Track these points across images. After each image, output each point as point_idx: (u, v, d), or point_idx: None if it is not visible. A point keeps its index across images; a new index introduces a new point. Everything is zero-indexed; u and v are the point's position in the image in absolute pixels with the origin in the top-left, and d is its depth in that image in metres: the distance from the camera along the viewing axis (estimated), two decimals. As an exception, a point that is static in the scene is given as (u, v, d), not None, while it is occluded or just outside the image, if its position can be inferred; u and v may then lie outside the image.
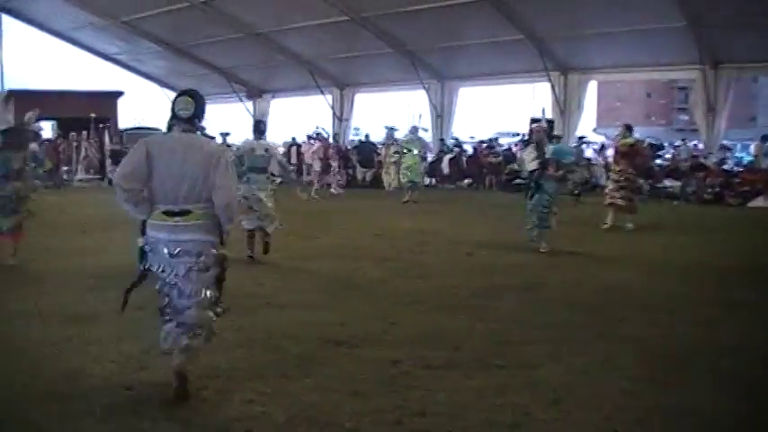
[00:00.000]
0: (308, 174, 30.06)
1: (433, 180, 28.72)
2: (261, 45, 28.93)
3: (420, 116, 24.13)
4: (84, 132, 28.57)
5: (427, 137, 24.20)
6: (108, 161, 28.76)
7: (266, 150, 11.17)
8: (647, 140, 28.99)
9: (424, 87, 28.46)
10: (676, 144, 29.29)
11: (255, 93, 35.01)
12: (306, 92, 33.22)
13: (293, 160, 31.35)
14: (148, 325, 6.70)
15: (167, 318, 5.37)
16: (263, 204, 10.89)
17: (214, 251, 5.37)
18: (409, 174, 21.09)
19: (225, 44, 29.57)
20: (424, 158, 24.00)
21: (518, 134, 35.76)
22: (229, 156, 5.58)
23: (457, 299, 8.41)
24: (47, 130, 28.00)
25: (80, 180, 28.37)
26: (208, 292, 5.34)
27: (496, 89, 36.70)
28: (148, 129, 38.79)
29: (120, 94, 33.03)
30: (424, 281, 9.51)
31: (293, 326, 7.13)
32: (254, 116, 35.11)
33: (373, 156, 28.36)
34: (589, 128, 46.92)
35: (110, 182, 27.59)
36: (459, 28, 24.21)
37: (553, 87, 25.56)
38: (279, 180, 11.53)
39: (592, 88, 28.36)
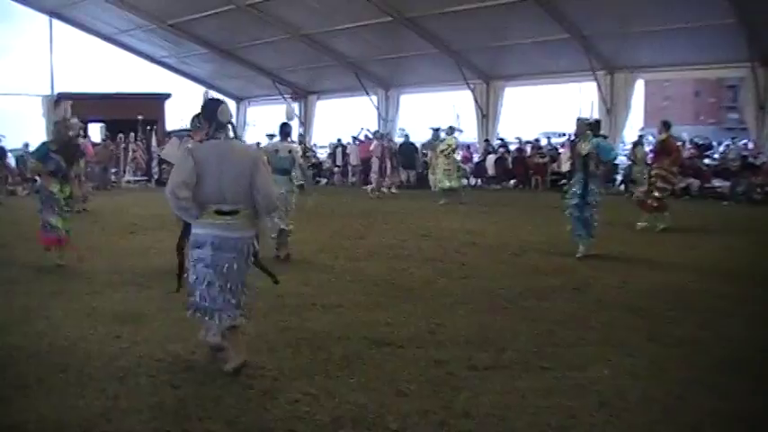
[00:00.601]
0: (353, 175, 30.18)
1: (479, 181, 28.63)
2: (306, 46, 29.02)
3: (458, 116, 23.42)
4: (132, 134, 28.94)
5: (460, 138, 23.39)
6: (154, 163, 29.17)
7: (290, 152, 11.29)
8: (695, 139, 28.71)
9: (470, 88, 28.31)
10: (726, 143, 28.86)
11: (301, 94, 35.17)
12: (351, 93, 33.22)
13: (338, 161, 31.48)
14: (195, 326, 6.78)
15: (209, 313, 5.85)
16: (288, 204, 11.19)
17: (254, 245, 5.99)
18: (448, 178, 20.66)
19: (270, 46, 29.74)
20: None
21: (564, 134, 35.54)
22: (264, 157, 6.18)
23: (503, 300, 8.36)
24: (95, 132, 28.34)
25: (128, 181, 28.74)
26: (241, 283, 5.90)
27: (542, 89, 36.48)
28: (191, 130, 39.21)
29: (167, 96, 33.38)
30: (470, 281, 9.47)
31: (339, 326, 7.15)
32: (287, 118, 35.25)
33: (414, 156, 28.30)
34: (636, 128, 46.48)
35: (157, 183, 27.97)
36: (505, 28, 24.09)
37: (599, 87, 25.28)
38: (299, 182, 11.63)
39: (639, 87, 27.99)
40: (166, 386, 5.43)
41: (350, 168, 30.92)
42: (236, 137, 6.02)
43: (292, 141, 12.16)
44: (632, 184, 20.17)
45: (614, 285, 9.21)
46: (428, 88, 32.14)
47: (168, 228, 13.30)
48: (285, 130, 11.58)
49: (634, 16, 21.18)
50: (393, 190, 24.12)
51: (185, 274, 6.49)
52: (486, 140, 28.33)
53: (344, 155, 31.31)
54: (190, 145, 6.20)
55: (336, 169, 31.87)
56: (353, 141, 30.76)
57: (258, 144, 34.36)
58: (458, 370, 5.79)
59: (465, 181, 21.73)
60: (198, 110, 6.72)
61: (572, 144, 11.52)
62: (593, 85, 25.60)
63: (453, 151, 20.82)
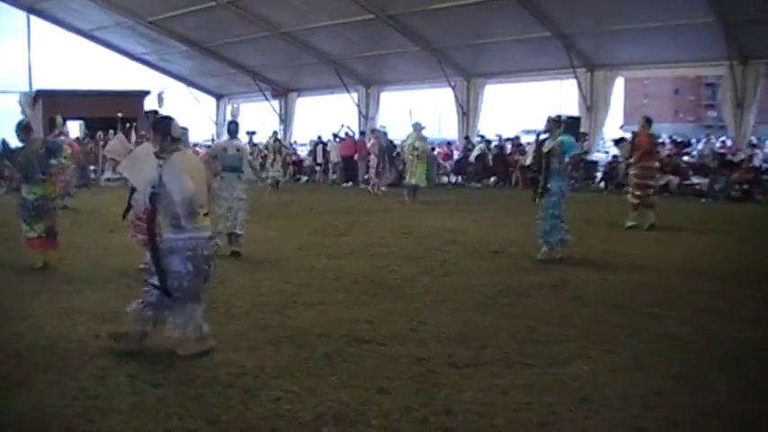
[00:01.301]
0: (334, 173, 30.15)
1: (459, 178, 28.68)
2: (287, 44, 29.00)
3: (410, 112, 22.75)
4: (111, 132, 28.76)
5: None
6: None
7: (238, 150, 11.48)
8: (673, 137, 28.85)
9: (450, 85, 28.38)
10: (703, 141, 29.04)
11: (281, 91, 35.13)
12: (332, 90, 33.26)
13: (319, 159, 31.46)
14: (176, 324, 6.74)
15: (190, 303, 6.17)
16: (238, 203, 11.32)
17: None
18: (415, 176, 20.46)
19: (251, 43, 29.68)
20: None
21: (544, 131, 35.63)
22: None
23: (484, 297, 8.38)
24: (74, 129, 28.16)
25: (107, 179, 28.55)
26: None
27: (523, 86, 36.58)
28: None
29: (146, 93, 33.14)
30: (452, 279, 9.49)
31: (320, 324, 7.14)
32: (278, 114, 35.27)
33: (393, 154, 28.27)
34: (616, 125, 46.68)
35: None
36: (486, 25, 24.16)
37: (580, 84, 25.44)
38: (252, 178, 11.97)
39: (619, 85, 28.23)
40: (147, 385, 5.41)
41: (330, 166, 30.90)
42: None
43: (240, 140, 12.32)
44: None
45: (594, 282, 9.26)
46: (409, 86, 32.21)
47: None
48: (231, 128, 11.82)
49: (614, 14, 21.30)
50: (383, 188, 24.07)
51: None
52: (467, 138, 28.36)
53: (325, 152, 31.29)
54: (155, 149, 6.34)
55: (317, 167, 31.83)
56: (334, 139, 30.74)
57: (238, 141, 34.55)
58: (439, 367, 5.80)
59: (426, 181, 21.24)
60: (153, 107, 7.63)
61: (538, 142, 11.37)
62: (574, 82, 25.75)
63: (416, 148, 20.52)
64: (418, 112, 40.34)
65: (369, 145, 25.09)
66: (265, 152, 25.50)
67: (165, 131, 6.26)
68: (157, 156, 6.19)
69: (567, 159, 10.62)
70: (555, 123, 10.96)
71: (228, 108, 12.03)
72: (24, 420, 4.83)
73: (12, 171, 11.42)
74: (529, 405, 5.03)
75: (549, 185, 10.68)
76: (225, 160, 11.30)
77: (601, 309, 7.84)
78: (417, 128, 20.92)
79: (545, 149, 10.74)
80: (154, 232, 6.11)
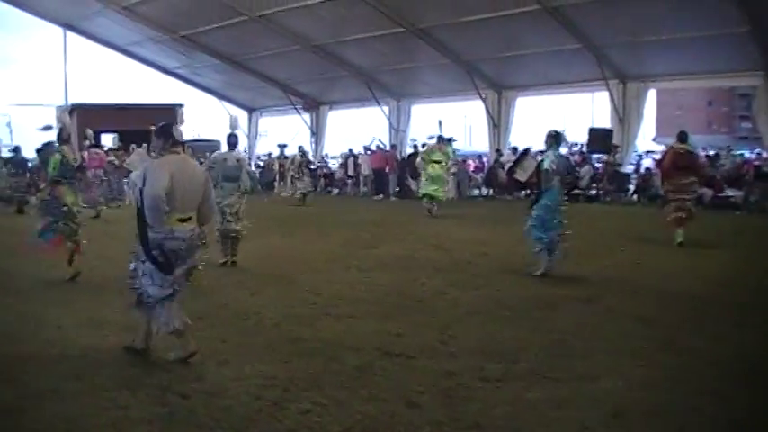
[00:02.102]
0: (365, 185, 30.17)
1: (491, 191, 28.58)
2: (318, 57, 29.13)
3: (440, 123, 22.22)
4: (145, 144, 28.97)
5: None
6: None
7: (237, 161, 11.83)
8: (705, 150, 28.51)
9: (482, 98, 28.31)
10: (731, 153, 28.62)
11: (312, 105, 35.25)
12: (362, 103, 33.34)
13: (350, 171, 31.50)
14: (205, 336, 6.82)
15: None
16: (234, 209, 11.63)
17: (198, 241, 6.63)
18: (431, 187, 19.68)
19: (282, 57, 29.85)
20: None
21: (576, 144, 35.46)
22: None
23: (514, 310, 8.32)
24: (108, 143, 28.47)
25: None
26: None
27: (554, 99, 36.41)
28: (207, 141, 39.35)
29: (180, 106, 33.45)
30: (481, 292, 9.43)
31: (350, 336, 7.13)
32: (310, 127, 35.40)
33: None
34: (649, 137, 46.39)
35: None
36: (516, 38, 24.10)
37: (612, 96, 25.27)
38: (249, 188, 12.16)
39: (651, 97, 27.95)
40: (176, 396, 5.43)
41: (361, 178, 30.93)
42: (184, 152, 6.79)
43: (239, 152, 12.69)
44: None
45: (625, 295, 9.16)
46: (440, 98, 32.15)
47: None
48: (231, 140, 12.12)
49: (646, 26, 21.14)
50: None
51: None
52: (498, 150, 28.22)
53: (356, 165, 31.32)
54: (153, 155, 6.79)
55: (348, 180, 31.87)
56: (365, 151, 30.76)
57: (270, 154, 34.68)
58: (469, 381, 5.76)
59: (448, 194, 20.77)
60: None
61: (531, 156, 11.29)
62: (606, 94, 25.59)
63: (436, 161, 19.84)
64: (449, 124, 40.32)
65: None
66: (291, 166, 25.59)
67: (167, 134, 6.51)
68: (153, 157, 6.61)
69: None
70: (553, 139, 10.83)
71: (231, 120, 12.24)
72: (56, 429, 4.87)
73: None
74: (560, 420, 4.99)
75: (542, 201, 10.66)
76: (225, 171, 11.61)
77: (632, 322, 7.76)
78: (439, 141, 20.34)
79: (543, 166, 10.64)
80: (144, 226, 6.26)
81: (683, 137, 14.04)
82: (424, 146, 22.95)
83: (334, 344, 6.84)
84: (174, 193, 6.17)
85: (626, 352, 6.58)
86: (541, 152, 11.27)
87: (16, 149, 25.85)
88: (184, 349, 6.30)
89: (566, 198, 10.92)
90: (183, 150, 6.74)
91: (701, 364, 6.24)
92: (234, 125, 12.38)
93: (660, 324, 7.66)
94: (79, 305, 8.41)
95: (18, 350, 6.67)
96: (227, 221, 11.44)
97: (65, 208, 10.19)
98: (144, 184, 6.19)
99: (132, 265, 6.55)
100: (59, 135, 10.56)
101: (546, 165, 10.60)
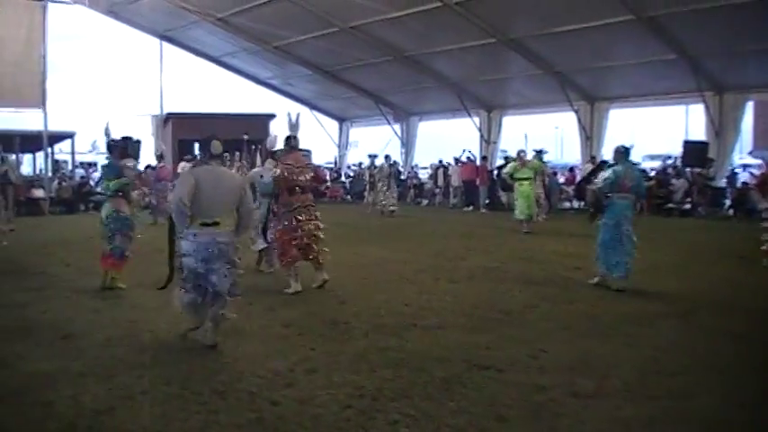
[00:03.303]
0: (455, 196, 30.08)
1: (582, 203, 28.19)
2: (408, 68, 29.20)
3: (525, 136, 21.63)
4: (237, 153, 29.48)
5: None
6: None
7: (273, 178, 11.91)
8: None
9: (574, 109, 27.98)
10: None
11: (403, 115, 35.37)
12: (453, 114, 33.22)
13: (440, 182, 31.47)
14: (296, 343, 6.90)
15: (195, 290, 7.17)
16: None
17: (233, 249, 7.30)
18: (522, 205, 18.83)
19: (373, 67, 30.02)
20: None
21: (670, 156, 34.78)
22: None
23: (607, 325, 8.19)
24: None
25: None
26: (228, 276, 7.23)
27: (648, 111, 35.70)
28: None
29: (272, 116, 33.96)
30: (573, 306, 9.31)
31: (439, 348, 7.11)
32: (400, 138, 35.52)
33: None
34: (745, 151, 45.17)
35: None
36: (609, 48, 23.72)
37: (707, 108, 24.68)
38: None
39: (748, 108, 27.14)
40: (266, 402, 5.50)
41: (451, 190, 30.87)
42: (223, 165, 7.71)
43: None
44: None
45: (720, 313, 8.92)
46: (531, 109, 31.96)
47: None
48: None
49: (744, 35, 20.49)
50: (392, 208, 24.20)
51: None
52: (592, 157, 27.63)
53: (446, 176, 31.27)
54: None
55: (437, 190, 31.84)
56: (455, 163, 30.69)
57: (360, 164, 34.88)
58: (560, 396, 5.69)
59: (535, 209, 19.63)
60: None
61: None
62: (701, 106, 25.02)
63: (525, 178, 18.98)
64: (540, 135, 39.99)
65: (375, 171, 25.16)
66: (379, 176, 25.62)
67: (204, 148, 7.41)
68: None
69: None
70: (621, 154, 10.63)
71: (270, 139, 12.17)
72: (146, 431, 4.97)
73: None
74: (652, 438, 4.88)
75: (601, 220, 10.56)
76: (261, 187, 11.74)
77: (727, 340, 7.56)
78: (519, 156, 19.54)
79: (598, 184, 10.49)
80: (173, 233, 7.37)
81: None
82: (506, 162, 22.59)
83: (422, 355, 6.84)
84: (198, 200, 6.97)
85: (720, 370, 6.42)
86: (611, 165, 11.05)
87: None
88: (206, 338, 7.08)
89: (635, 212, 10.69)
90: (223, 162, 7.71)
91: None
92: (272, 144, 12.28)
93: (756, 343, 7.47)
94: (171, 310, 8.55)
95: (111, 352, 6.88)
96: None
97: (127, 221, 10.43)
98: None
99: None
100: (111, 148, 10.72)
101: (609, 177, 10.47)
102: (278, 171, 10.28)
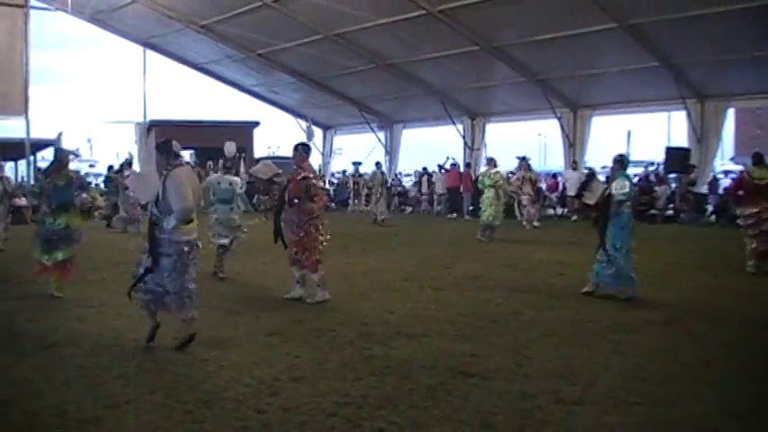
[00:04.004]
0: (439, 204, 30.13)
1: (565, 210, 28.28)
2: (392, 75, 29.21)
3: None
4: (221, 161, 29.45)
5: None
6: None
7: (230, 184, 12.46)
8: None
9: (557, 116, 28.07)
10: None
11: (387, 123, 35.40)
12: (437, 121, 33.23)
13: (424, 190, 31.50)
14: (281, 351, 6.89)
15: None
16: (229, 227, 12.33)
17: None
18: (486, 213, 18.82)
19: (357, 75, 30.00)
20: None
21: (652, 163, 34.97)
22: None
23: (592, 332, 8.22)
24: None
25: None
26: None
27: (630, 118, 35.87)
28: (283, 158, 39.76)
29: (256, 124, 34.03)
30: (557, 313, 9.33)
31: (424, 356, 7.12)
32: (384, 145, 35.54)
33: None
34: (727, 157, 45.52)
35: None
36: (592, 56, 23.81)
37: (689, 115, 24.82)
38: (243, 209, 12.80)
39: (730, 116, 27.26)
40: (252, 411, 5.49)
41: (435, 197, 30.92)
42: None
43: (232, 176, 13.16)
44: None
45: (706, 319, 8.96)
46: (515, 117, 32.01)
47: (253, 253, 13.52)
48: (226, 165, 13.21)
49: (725, 43, 20.61)
50: (535, 223, 23.31)
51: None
52: (575, 162, 27.66)
53: (430, 183, 31.32)
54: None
55: (422, 198, 31.87)
56: (439, 170, 30.74)
57: (344, 171, 34.88)
58: (545, 403, 5.70)
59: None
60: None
61: (595, 180, 11.04)
62: (683, 114, 25.17)
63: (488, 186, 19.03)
64: (523, 143, 40.05)
65: (513, 179, 24.19)
66: (371, 183, 25.56)
67: (168, 150, 7.48)
68: (161, 172, 7.44)
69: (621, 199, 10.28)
70: (618, 164, 10.64)
71: (227, 146, 12.88)
72: (133, 441, 4.96)
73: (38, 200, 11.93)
74: (638, 445, 4.89)
75: (609, 230, 10.34)
76: (218, 193, 12.34)
77: (713, 347, 7.59)
78: (490, 163, 19.79)
79: (615, 194, 10.39)
80: (154, 234, 7.25)
81: (758, 159, 13.22)
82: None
83: (407, 363, 6.84)
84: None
85: (705, 377, 6.44)
86: (607, 178, 11.04)
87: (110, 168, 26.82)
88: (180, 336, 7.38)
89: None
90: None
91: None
92: (230, 151, 13.63)
93: (741, 350, 7.50)
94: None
95: (96, 361, 6.84)
96: (223, 237, 12.18)
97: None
98: (162, 198, 7.16)
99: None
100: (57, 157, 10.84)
101: (615, 192, 10.38)
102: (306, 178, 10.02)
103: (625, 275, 10.23)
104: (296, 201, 9.86)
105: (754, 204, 12.79)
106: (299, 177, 9.88)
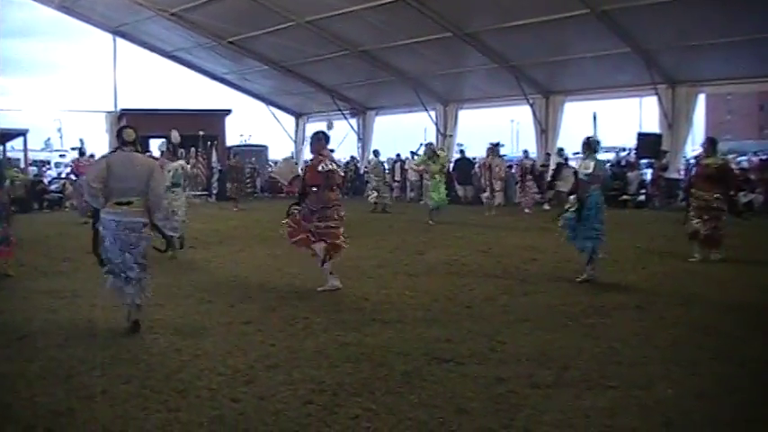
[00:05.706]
0: (411, 190, 30.14)
1: (540, 196, 28.36)
2: (365, 62, 29.18)
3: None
4: (193, 149, 29.32)
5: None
6: (214, 178, 29.85)
7: (178, 169, 13.51)
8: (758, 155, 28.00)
9: (529, 102, 28.16)
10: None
11: (359, 110, 35.35)
12: (410, 108, 33.30)
13: (397, 177, 31.49)
14: (255, 339, 6.89)
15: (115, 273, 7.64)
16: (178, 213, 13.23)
17: (146, 229, 7.77)
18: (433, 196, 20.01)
19: (329, 62, 29.92)
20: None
21: (624, 149, 35.15)
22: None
23: (564, 317, 8.25)
24: (154, 148, 28.93)
25: (188, 196, 29.03)
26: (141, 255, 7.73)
27: (602, 103, 35.98)
28: (255, 146, 39.61)
29: (227, 112, 33.84)
30: (531, 298, 9.38)
31: (399, 342, 7.12)
32: (356, 132, 35.48)
33: (471, 172, 28.08)
34: (698, 143, 45.73)
35: (217, 198, 28.61)
36: (564, 42, 23.89)
37: (660, 101, 24.97)
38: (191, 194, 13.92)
39: (700, 101, 27.47)
40: (227, 400, 5.47)
41: (408, 184, 30.91)
42: (137, 151, 7.95)
43: (181, 161, 14.46)
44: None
45: (678, 303, 9.01)
46: (487, 103, 32.12)
47: (228, 243, 13.47)
48: (172, 150, 14.08)
49: (696, 29, 20.76)
50: (527, 210, 23.80)
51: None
52: (548, 155, 27.91)
53: (403, 170, 31.33)
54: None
55: (395, 185, 31.85)
56: (412, 157, 30.73)
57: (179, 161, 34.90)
58: (519, 388, 5.72)
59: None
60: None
61: (564, 165, 11.15)
62: (654, 99, 25.33)
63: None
64: (496, 130, 40.11)
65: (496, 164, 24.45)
66: (374, 172, 25.60)
67: (118, 136, 7.96)
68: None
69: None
70: (587, 146, 10.69)
71: (173, 134, 13.37)
72: (106, 431, 4.92)
73: None
74: (612, 428, 4.93)
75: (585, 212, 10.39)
76: (176, 178, 13.25)
77: (685, 330, 7.65)
78: (428, 149, 21.03)
79: (581, 176, 10.48)
80: (96, 220, 7.82)
81: (710, 144, 13.02)
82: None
83: (382, 349, 6.84)
84: (109, 181, 7.50)
85: (678, 360, 6.48)
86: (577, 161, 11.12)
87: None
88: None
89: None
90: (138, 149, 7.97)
91: (755, 374, 6.15)
92: (176, 138, 14.61)
93: (713, 333, 7.54)
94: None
95: (70, 352, 6.80)
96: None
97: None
98: None
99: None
100: None
101: (581, 173, 10.49)
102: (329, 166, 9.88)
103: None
104: (314, 189, 9.76)
105: (703, 189, 12.68)
106: (319, 167, 9.73)
